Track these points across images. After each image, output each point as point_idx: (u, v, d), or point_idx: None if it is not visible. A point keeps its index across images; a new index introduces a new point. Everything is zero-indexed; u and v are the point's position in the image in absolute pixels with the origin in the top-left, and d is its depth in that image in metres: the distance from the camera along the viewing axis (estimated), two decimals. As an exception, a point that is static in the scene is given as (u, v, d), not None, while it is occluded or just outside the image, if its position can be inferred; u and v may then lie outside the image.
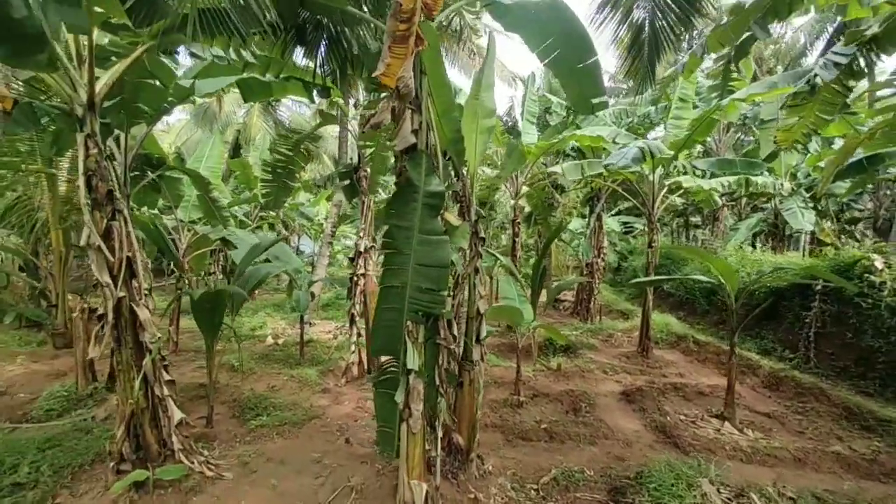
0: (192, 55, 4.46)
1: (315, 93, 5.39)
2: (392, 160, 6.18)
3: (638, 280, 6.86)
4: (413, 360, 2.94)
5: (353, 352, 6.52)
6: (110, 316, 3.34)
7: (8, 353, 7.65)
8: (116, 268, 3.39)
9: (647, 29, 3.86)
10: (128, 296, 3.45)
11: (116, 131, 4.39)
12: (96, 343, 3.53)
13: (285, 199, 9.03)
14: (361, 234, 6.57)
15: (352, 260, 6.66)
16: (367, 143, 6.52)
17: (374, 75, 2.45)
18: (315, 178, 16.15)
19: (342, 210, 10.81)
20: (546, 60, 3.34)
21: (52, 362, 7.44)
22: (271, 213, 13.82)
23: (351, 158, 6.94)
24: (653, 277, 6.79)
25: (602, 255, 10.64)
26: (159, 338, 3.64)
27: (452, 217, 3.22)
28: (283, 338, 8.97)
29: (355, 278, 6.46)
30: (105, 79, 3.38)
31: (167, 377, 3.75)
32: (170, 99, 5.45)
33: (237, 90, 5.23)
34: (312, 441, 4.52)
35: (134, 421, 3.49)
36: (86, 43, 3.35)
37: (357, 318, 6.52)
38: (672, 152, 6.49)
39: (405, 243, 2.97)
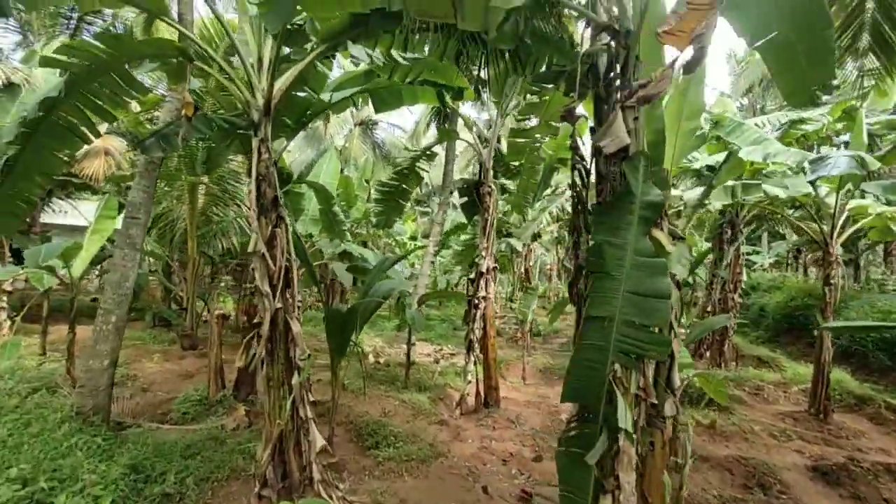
0: (353, 59, 4.36)
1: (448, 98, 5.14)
2: (540, 173, 5.69)
3: (837, 325, 5.48)
4: (624, 416, 2.29)
5: (470, 381, 5.98)
6: (266, 328, 3.15)
7: (146, 351, 8.30)
8: (276, 277, 3.23)
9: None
10: (283, 307, 3.25)
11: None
12: (243, 353, 3.37)
13: (396, 218, 8.98)
14: (484, 254, 6.12)
15: (471, 281, 6.22)
16: (501, 156, 6.13)
17: (660, 31, 1.93)
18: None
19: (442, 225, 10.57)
20: (759, 42, 2.61)
21: (181, 363, 7.91)
22: (371, 230, 14.18)
23: (473, 174, 6.58)
24: (855, 323, 5.42)
25: (739, 291, 9.15)
26: (309, 355, 3.40)
27: (664, 236, 2.57)
28: (383, 356, 8.77)
29: (476, 301, 5.99)
30: (279, 83, 3.32)
31: (311, 397, 3.48)
32: (308, 112, 5.54)
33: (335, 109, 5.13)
34: (444, 484, 4.00)
35: (282, 444, 3.23)
36: (266, 48, 3.34)
37: (475, 345, 6.00)
38: (878, 164, 5.22)
39: (616, 265, 2.38)
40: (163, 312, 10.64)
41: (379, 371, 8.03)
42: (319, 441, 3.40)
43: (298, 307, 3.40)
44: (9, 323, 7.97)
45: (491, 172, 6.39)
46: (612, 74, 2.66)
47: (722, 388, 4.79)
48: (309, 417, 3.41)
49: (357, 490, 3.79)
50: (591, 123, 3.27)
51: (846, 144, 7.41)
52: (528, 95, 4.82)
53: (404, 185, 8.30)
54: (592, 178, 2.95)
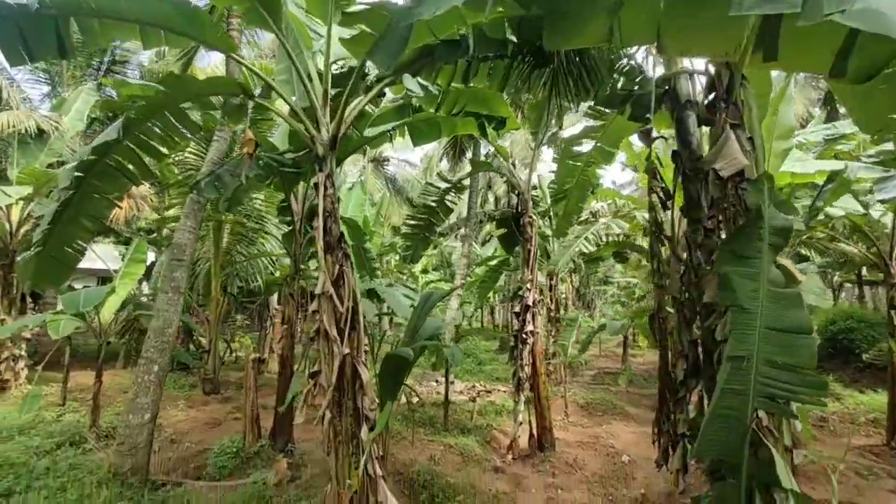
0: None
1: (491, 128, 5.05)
2: (579, 199, 5.53)
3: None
4: (783, 473, 1.97)
5: (521, 423, 5.57)
6: (333, 376, 2.87)
7: (168, 397, 7.90)
8: (343, 320, 2.98)
9: None
10: (351, 353, 2.98)
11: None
12: (304, 406, 3.07)
13: (423, 252, 8.81)
14: (529, 286, 5.86)
15: (517, 315, 5.93)
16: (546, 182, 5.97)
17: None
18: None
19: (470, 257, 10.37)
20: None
21: (206, 409, 7.52)
22: (386, 266, 14.01)
23: (512, 205, 6.43)
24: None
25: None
26: (378, 405, 3.10)
27: (791, 264, 2.33)
28: (414, 396, 8.33)
29: (523, 336, 5.67)
30: (347, 116, 3.20)
31: (379, 452, 3.15)
32: (348, 148, 5.47)
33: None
34: (520, 547, 3.57)
35: (352, 509, 2.88)
36: (328, 84, 3.24)
37: (525, 383, 5.63)
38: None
39: (749, 297, 2.13)
40: (181, 356, 10.29)
41: (415, 413, 7.59)
42: (393, 501, 3.05)
43: (366, 352, 3.13)
44: (25, 371, 7.67)
45: (530, 202, 6.24)
46: (714, 95, 2.51)
47: (806, 423, 4.41)
48: (379, 475, 3.07)
49: (427, 556, 3.37)
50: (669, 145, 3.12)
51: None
52: (586, 119, 4.74)
53: (432, 219, 8.17)
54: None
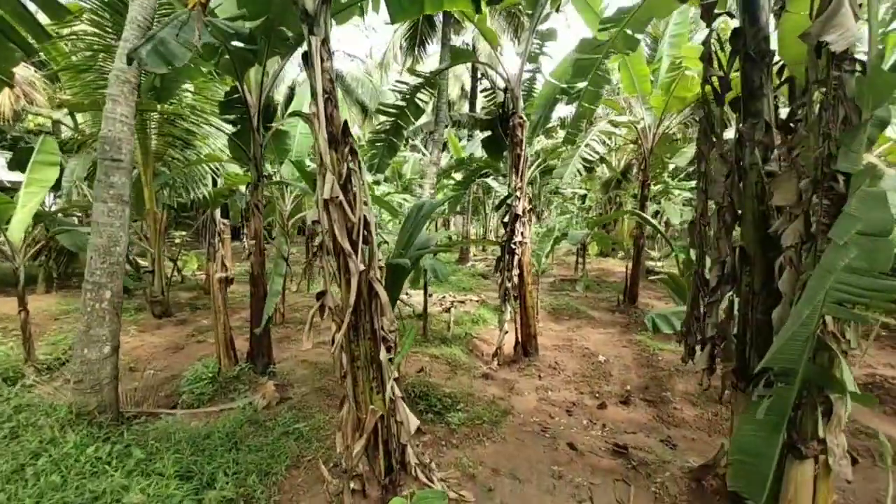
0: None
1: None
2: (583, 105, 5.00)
3: None
4: (848, 377, 1.97)
5: (507, 331, 5.64)
6: (351, 297, 2.46)
7: (129, 322, 7.11)
8: (355, 231, 2.49)
9: None
10: (367, 269, 2.55)
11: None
12: (310, 331, 2.68)
13: (389, 161, 8.08)
14: (518, 195, 5.54)
15: (505, 225, 5.67)
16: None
17: None
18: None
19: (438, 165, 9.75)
20: None
21: (161, 333, 6.89)
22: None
23: (503, 106, 5.79)
24: None
25: None
26: (396, 327, 2.78)
27: (875, 159, 2.14)
28: (406, 307, 8.21)
29: (513, 247, 5.49)
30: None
31: (395, 373, 2.91)
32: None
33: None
34: (526, 446, 3.72)
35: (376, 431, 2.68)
36: None
37: (511, 294, 5.59)
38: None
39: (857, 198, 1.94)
40: (117, 276, 9.17)
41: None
42: (414, 421, 2.90)
43: (380, 268, 2.71)
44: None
45: (521, 100, 5.64)
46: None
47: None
48: (398, 395, 2.87)
49: (441, 464, 3.40)
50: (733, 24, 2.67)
51: None
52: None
53: (400, 122, 7.32)
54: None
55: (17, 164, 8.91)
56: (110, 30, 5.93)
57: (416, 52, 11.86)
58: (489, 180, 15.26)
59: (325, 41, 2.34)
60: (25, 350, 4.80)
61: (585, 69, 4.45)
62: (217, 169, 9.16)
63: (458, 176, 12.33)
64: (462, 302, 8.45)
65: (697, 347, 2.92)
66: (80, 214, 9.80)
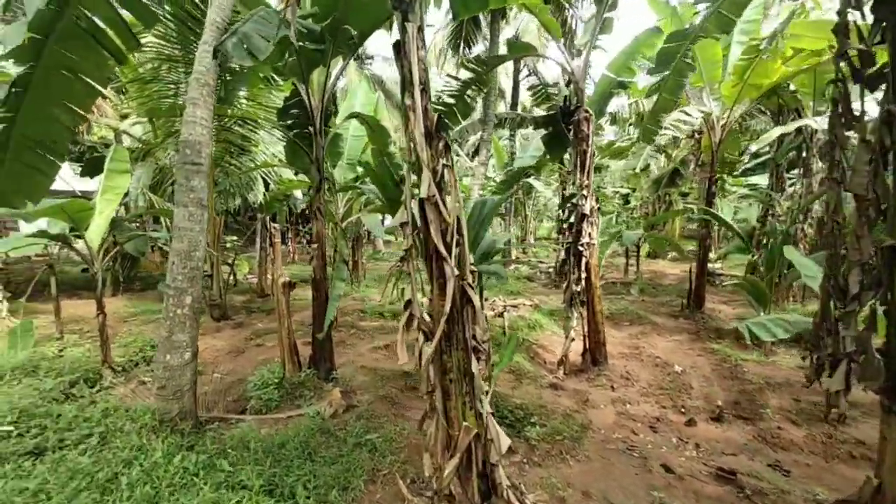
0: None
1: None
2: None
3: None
4: None
5: (573, 339, 5.32)
6: (447, 304, 2.27)
7: (176, 325, 7.33)
8: (449, 232, 2.30)
9: None
10: (461, 274, 2.36)
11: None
12: (403, 345, 2.51)
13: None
14: (585, 193, 5.22)
15: (569, 227, 5.36)
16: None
17: None
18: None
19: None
20: None
21: (221, 336, 7.03)
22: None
23: (566, 100, 5.49)
24: None
25: None
26: (490, 337, 2.57)
27: None
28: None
29: (580, 248, 5.17)
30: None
31: (490, 387, 2.70)
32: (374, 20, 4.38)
33: None
34: (615, 467, 3.40)
35: (474, 452, 2.47)
36: None
37: (577, 299, 5.27)
38: None
39: None
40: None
41: (442, 330, 7.34)
42: (505, 440, 2.67)
43: (472, 273, 2.50)
44: (5, 304, 6.82)
45: (585, 94, 5.33)
46: None
47: None
48: (489, 412, 2.65)
49: (525, 483, 3.15)
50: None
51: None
52: None
53: (447, 121, 7.17)
54: None
55: (87, 172, 9.45)
56: (175, 39, 6.11)
57: (461, 53, 11.68)
58: (531, 180, 14.89)
59: (421, 28, 2.17)
60: (103, 352, 4.95)
61: (670, 56, 4.08)
62: (268, 175, 9.35)
63: (498, 177, 12.08)
64: (514, 306, 8.16)
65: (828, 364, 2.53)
66: (138, 221, 10.27)
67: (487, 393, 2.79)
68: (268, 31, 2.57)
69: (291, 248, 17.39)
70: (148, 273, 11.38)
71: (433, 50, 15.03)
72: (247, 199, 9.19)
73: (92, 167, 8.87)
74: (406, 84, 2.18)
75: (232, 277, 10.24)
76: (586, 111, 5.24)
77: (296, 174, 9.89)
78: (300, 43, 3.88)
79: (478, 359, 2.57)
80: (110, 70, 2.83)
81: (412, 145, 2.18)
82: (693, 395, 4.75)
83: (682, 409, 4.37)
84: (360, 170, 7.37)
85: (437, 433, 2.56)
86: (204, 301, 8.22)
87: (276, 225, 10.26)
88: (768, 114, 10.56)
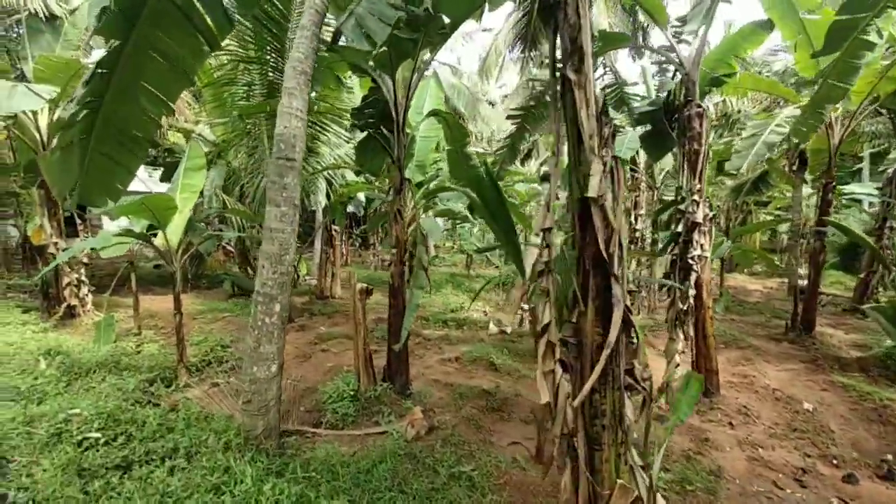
0: None
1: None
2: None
3: None
4: None
5: (678, 364, 4.64)
6: (613, 332, 1.78)
7: (241, 326, 7.33)
8: (613, 242, 1.82)
9: None
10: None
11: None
12: (547, 372, 2.05)
13: (510, 167, 7.46)
14: (696, 199, 4.55)
15: (675, 237, 4.70)
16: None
17: None
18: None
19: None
20: None
21: (286, 338, 6.91)
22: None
23: (671, 94, 4.86)
24: None
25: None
26: (650, 374, 2.06)
27: None
28: (508, 326, 7.55)
29: (690, 262, 4.50)
30: None
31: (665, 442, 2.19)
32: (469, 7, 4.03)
33: None
34: (768, 531, 2.75)
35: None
36: None
37: (685, 319, 4.59)
38: None
39: None
40: (241, 280, 9.64)
41: (512, 342, 6.84)
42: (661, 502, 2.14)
43: (630, 293, 2.00)
44: (90, 297, 7.08)
45: (697, 86, 4.67)
46: None
47: None
48: (639, 464, 2.13)
49: (661, 547, 2.58)
50: None
51: None
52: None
53: (526, 125, 6.70)
54: None
55: (166, 177, 9.83)
56: (250, 40, 6.08)
57: (528, 52, 11.14)
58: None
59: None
60: (179, 351, 4.87)
61: (844, 33, 3.35)
62: (332, 176, 9.27)
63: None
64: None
65: None
66: (207, 221, 10.57)
67: (660, 448, 2.28)
68: (381, 10, 2.24)
69: (345, 251, 17.53)
70: (212, 271, 11.71)
71: (493, 52, 14.58)
72: (305, 200, 9.16)
73: (169, 171, 9.18)
74: (568, 55, 1.74)
75: (297, 278, 10.28)
76: (699, 106, 4.58)
77: (357, 174, 9.76)
78: (396, 31, 3.57)
79: (642, 401, 2.07)
80: (203, 58, 2.61)
81: (576, 131, 1.73)
82: (837, 442, 3.94)
83: (834, 461, 3.60)
84: (429, 171, 7.04)
85: (577, 488, 2.07)
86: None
87: (336, 228, 10.19)
88: (885, 113, 9.20)
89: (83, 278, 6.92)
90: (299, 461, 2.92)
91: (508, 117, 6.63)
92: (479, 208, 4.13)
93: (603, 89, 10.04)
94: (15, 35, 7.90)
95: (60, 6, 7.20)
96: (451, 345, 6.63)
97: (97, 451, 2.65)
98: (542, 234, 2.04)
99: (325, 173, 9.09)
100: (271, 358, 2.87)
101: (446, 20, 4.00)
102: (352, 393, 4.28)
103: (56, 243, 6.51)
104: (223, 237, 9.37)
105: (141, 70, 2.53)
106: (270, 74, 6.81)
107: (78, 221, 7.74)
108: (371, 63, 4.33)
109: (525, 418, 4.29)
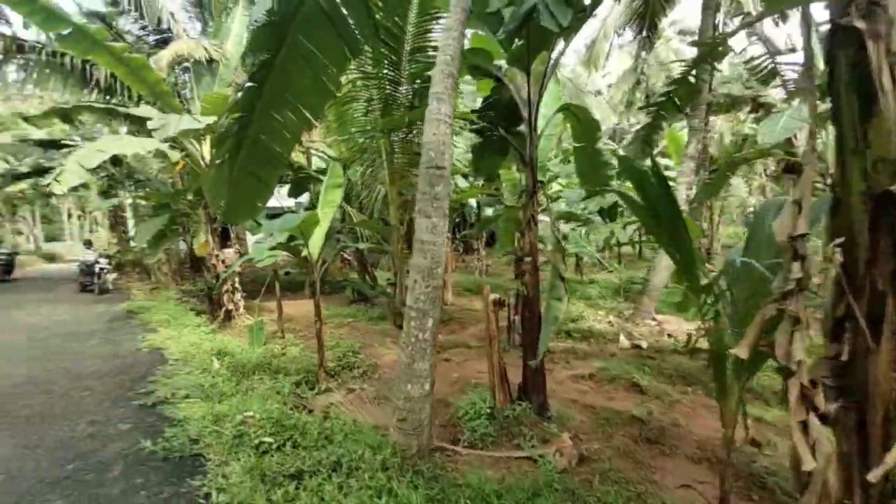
0: None
1: None
2: None
3: None
4: None
5: None
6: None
7: (365, 332, 7.68)
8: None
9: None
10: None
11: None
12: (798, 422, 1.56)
13: (647, 155, 6.63)
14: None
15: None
16: None
17: None
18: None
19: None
20: None
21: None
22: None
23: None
24: None
25: None
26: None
27: None
28: (642, 339, 6.75)
29: None
30: None
31: None
32: None
33: None
34: None
35: None
36: None
37: None
38: None
39: None
40: (360, 285, 10.21)
41: (651, 359, 6.06)
42: None
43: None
44: (242, 303, 8.05)
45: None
46: None
47: None
48: None
49: None
50: None
51: None
52: None
53: (663, 112, 5.89)
54: None
55: (295, 191, 10.87)
56: (369, 55, 6.31)
57: (645, 34, 10.08)
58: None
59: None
60: (320, 357, 5.18)
61: None
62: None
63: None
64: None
65: None
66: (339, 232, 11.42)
67: None
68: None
69: (448, 257, 17.79)
70: (332, 277, 12.66)
71: (601, 39, 13.54)
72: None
73: (298, 186, 10.12)
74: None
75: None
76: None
77: (465, 178, 9.70)
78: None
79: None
80: (345, 67, 2.61)
81: (862, 100, 1.24)
82: None
83: None
84: (549, 172, 6.62)
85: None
86: (388, 308, 8.53)
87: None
88: None
89: (237, 285, 7.90)
90: (455, 489, 2.76)
91: (640, 108, 5.91)
92: (638, 210, 3.61)
93: (747, 61, 8.63)
94: (182, 81, 9.47)
95: (217, 51, 8.38)
96: (579, 359, 6.10)
97: (272, 456, 2.80)
98: (791, 242, 1.55)
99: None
100: (424, 375, 2.77)
101: (586, 2, 3.62)
102: (488, 410, 4.06)
103: (217, 255, 7.52)
104: (347, 247, 10.02)
105: (289, 81, 2.60)
106: (388, 88, 7.07)
107: (232, 235, 8.90)
108: (502, 61, 4.11)
109: (692, 455, 3.64)
